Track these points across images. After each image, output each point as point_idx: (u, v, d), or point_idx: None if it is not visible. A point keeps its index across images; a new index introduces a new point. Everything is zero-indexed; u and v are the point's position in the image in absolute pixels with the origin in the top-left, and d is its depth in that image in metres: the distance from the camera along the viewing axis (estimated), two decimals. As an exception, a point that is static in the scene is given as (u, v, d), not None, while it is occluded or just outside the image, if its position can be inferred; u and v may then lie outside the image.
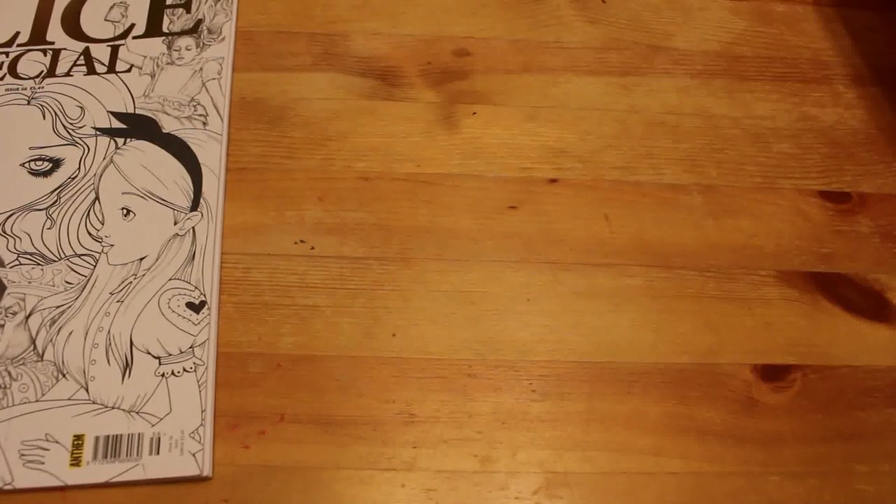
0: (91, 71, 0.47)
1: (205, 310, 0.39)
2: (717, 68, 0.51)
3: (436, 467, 0.37)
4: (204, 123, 0.45)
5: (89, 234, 0.41)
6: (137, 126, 0.45)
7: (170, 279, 0.40)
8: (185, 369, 0.38)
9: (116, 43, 0.48)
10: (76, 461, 0.35)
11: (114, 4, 0.50)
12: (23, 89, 0.46)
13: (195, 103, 0.46)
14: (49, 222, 0.41)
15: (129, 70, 0.47)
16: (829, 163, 0.48)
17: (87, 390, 0.37)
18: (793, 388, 0.40)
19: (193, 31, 0.49)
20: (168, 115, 0.45)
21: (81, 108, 0.45)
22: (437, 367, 0.39)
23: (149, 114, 0.45)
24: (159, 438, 0.36)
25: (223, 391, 0.38)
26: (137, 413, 0.37)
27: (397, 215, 0.44)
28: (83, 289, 0.39)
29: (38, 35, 0.48)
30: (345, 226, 0.43)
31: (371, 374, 0.39)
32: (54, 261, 0.40)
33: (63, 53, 0.47)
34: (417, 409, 0.38)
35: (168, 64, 0.47)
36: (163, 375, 0.38)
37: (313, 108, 0.47)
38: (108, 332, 0.38)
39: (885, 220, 0.46)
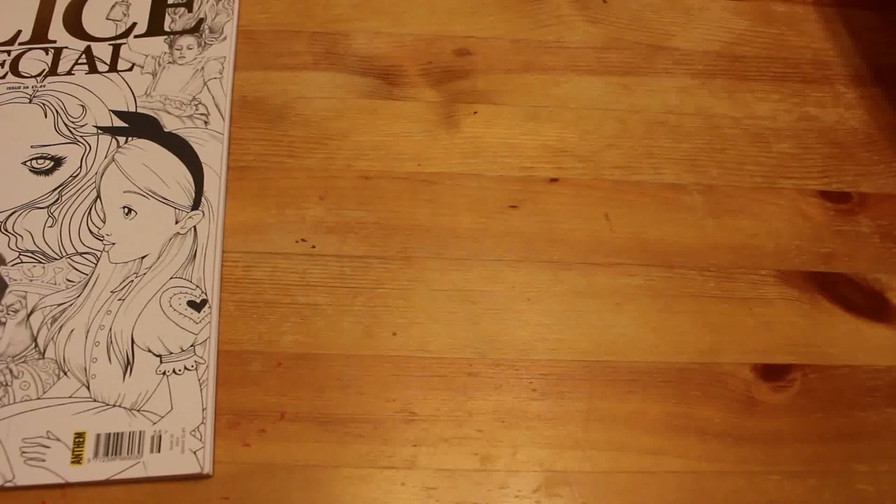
0: (93, 69, 0.47)
1: (206, 308, 0.39)
2: (717, 68, 0.51)
3: (436, 466, 0.37)
4: (205, 122, 0.45)
5: (91, 232, 0.41)
6: (139, 125, 0.45)
7: (171, 277, 0.40)
8: (186, 367, 0.38)
9: (118, 42, 0.48)
10: (77, 459, 0.35)
11: (115, 3, 0.50)
12: (24, 88, 0.46)
13: (196, 102, 0.46)
14: (50, 220, 0.41)
15: (130, 69, 0.47)
16: (829, 163, 0.48)
17: (88, 388, 0.37)
18: (793, 388, 0.40)
19: (195, 30, 0.49)
20: (169, 113, 0.45)
21: (83, 106, 0.45)
22: (437, 366, 0.40)
23: (150, 112, 0.45)
24: (160, 436, 0.36)
25: (224, 389, 0.38)
26: (138, 411, 0.37)
27: (398, 214, 0.44)
28: (84, 287, 0.40)
29: (40, 34, 0.48)
30: (345, 224, 0.43)
31: (371, 373, 0.39)
32: (56, 259, 0.40)
33: (65, 52, 0.47)
34: (418, 408, 0.38)
35: (170, 63, 0.47)
36: (164, 373, 0.38)
37: (314, 107, 0.47)
38: (110, 330, 0.39)
39: (885, 220, 0.46)
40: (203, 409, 0.37)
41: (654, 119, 0.48)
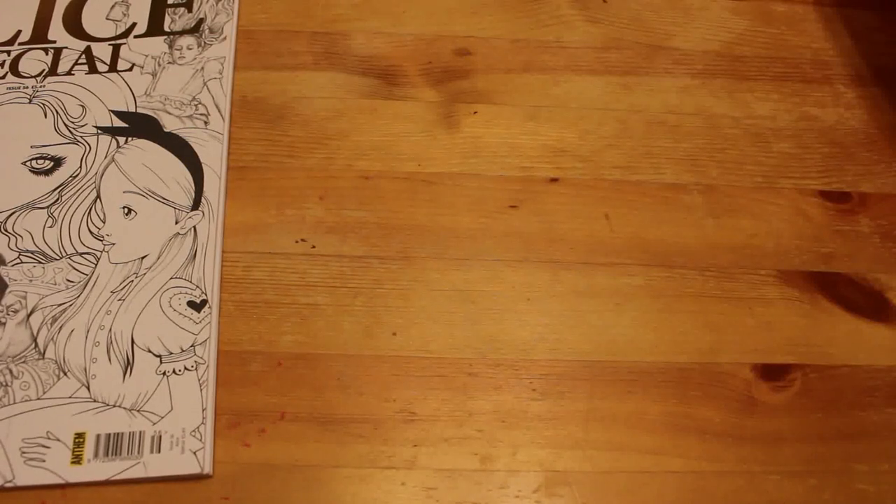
0: (92, 70, 0.47)
1: (206, 308, 0.39)
2: (717, 68, 0.51)
3: (436, 466, 0.37)
4: (205, 122, 0.45)
5: (90, 232, 0.41)
6: (139, 125, 0.45)
7: (171, 278, 0.40)
8: (186, 368, 0.38)
9: (118, 42, 0.48)
10: (77, 459, 0.35)
11: (115, 3, 0.50)
12: (24, 88, 0.46)
13: (196, 102, 0.46)
14: (50, 221, 0.41)
15: (130, 69, 0.47)
16: (829, 163, 0.48)
17: (88, 388, 0.37)
18: (793, 388, 0.40)
19: (195, 30, 0.49)
20: (169, 114, 0.45)
21: (83, 106, 0.45)
22: (437, 366, 0.40)
23: (150, 113, 0.45)
24: (160, 436, 0.36)
25: (224, 389, 0.38)
26: (138, 411, 0.37)
27: (398, 214, 0.44)
28: (84, 287, 0.40)
29: (40, 34, 0.48)
30: (345, 224, 0.43)
31: (371, 373, 0.39)
32: (56, 259, 0.40)
33: (64, 52, 0.47)
34: (418, 408, 0.38)
35: (169, 63, 0.47)
36: (164, 374, 0.38)
37: (314, 107, 0.47)
38: (110, 330, 0.39)
39: (885, 220, 0.46)
40: (203, 410, 0.37)
41: (654, 119, 0.48)
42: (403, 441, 0.38)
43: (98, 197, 0.42)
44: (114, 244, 0.41)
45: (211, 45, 0.48)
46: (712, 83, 0.50)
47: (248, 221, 0.43)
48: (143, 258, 0.41)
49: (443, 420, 0.38)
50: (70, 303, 0.39)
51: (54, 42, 0.48)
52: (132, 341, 0.38)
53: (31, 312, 0.39)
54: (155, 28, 0.49)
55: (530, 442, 0.38)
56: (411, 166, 0.45)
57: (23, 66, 0.47)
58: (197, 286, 0.40)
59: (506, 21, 0.52)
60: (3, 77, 0.46)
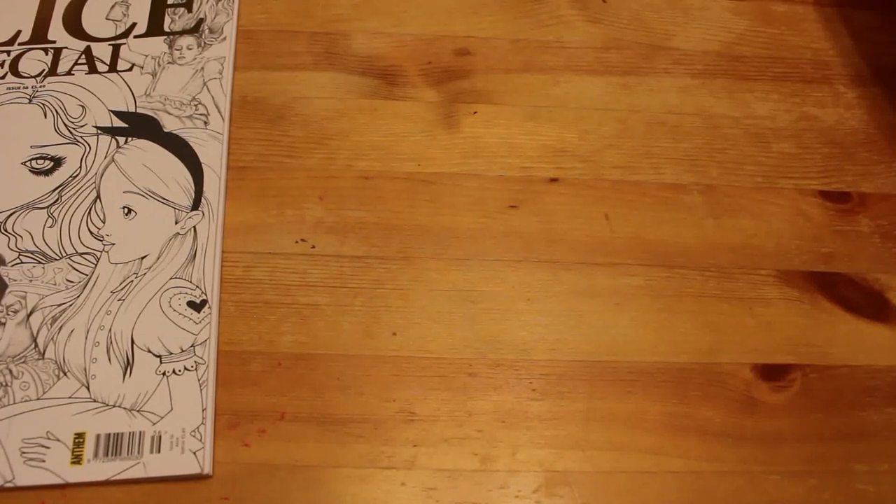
0: (92, 70, 0.47)
1: (206, 308, 0.39)
2: (717, 68, 0.51)
3: (436, 466, 0.37)
4: (205, 123, 0.45)
5: (90, 232, 0.41)
6: (139, 125, 0.45)
7: (171, 278, 0.40)
8: (185, 368, 0.38)
9: (118, 42, 0.48)
10: (77, 459, 0.35)
11: (115, 3, 0.50)
12: (24, 88, 0.46)
13: (196, 102, 0.46)
14: (50, 221, 0.41)
15: (130, 69, 0.47)
16: (829, 163, 0.48)
17: (88, 388, 0.37)
18: (793, 388, 0.40)
19: (195, 30, 0.49)
20: (169, 114, 0.45)
21: (83, 106, 0.45)
22: (437, 366, 0.40)
23: (150, 113, 0.45)
24: (160, 437, 0.36)
25: (224, 389, 0.38)
26: (138, 411, 0.37)
27: (398, 214, 0.44)
28: (84, 287, 0.40)
29: (40, 34, 0.48)
30: (345, 225, 0.43)
31: (371, 373, 0.39)
32: (55, 259, 0.40)
33: (64, 52, 0.47)
34: (418, 408, 0.38)
35: (169, 63, 0.47)
36: (164, 374, 0.38)
37: (314, 107, 0.47)
38: (110, 330, 0.39)
39: (885, 220, 0.46)
40: (203, 410, 0.37)
41: (654, 119, 0.48)
42: (403, 441, 0.38)
43: (98, 197, 0.42)
44: (114, 244, 0.41)
45: (211, 45, 0.48)
46: (712, 83, 0.50)
47: (248, 221, 0.43)
48: (143, 258, 0.41)
49: (443, 420, 0.38)
50: (70, 303, 0.39)
51: (54, 42, 0.48)
52: (132, 341, 0.38)
53: (31, 312, 0.39)
54: (155, 28, 0.49)
55: (530, 442, 0.38)
56: (411, 166, 0.45)
57: (23, 66, 0.47)
58: (197, 286, 0.40)
59: (506, 21, 0.52)
60: (3, 77, 0.46)
